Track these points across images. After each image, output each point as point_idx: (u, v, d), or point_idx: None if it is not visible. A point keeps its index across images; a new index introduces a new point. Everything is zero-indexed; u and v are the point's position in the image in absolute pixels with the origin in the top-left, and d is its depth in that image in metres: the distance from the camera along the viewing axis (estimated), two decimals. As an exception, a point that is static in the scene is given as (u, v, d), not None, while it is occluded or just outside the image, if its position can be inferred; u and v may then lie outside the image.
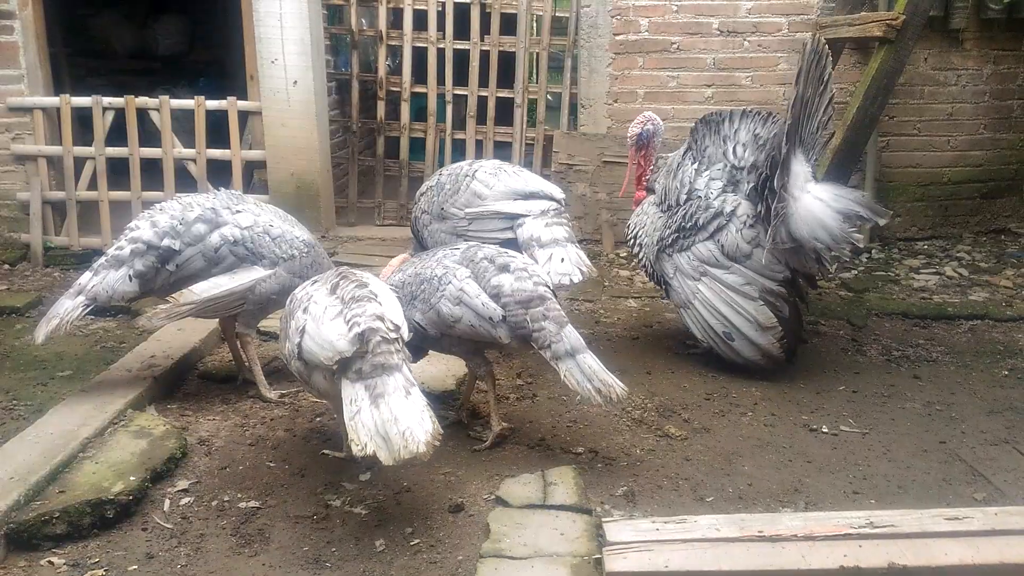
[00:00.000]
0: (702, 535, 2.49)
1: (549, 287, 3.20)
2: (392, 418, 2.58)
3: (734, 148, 4.08)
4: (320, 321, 2.77)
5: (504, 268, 3.18)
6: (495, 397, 3.36)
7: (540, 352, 3.13)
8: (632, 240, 4.40)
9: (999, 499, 2.92)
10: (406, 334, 2.86)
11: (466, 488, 2.98)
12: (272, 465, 3.15)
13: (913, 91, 6.48)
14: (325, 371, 2.76)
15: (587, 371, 3.05)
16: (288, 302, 3.05)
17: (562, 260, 3.77)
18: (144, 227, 3.56)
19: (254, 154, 6.08)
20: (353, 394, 2.67)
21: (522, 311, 3.10)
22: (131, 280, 3.53)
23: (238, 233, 3.58)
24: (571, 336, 3.09)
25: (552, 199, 3.98)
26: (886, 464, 3.16)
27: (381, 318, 2.76)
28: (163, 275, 3.55)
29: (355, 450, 2.59)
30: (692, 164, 4.21)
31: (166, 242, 3.52)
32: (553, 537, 2.61)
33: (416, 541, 2.67)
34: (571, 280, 3.70)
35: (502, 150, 6.67)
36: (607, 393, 3.02)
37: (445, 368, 3.81)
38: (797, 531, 2.48)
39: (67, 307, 3.49)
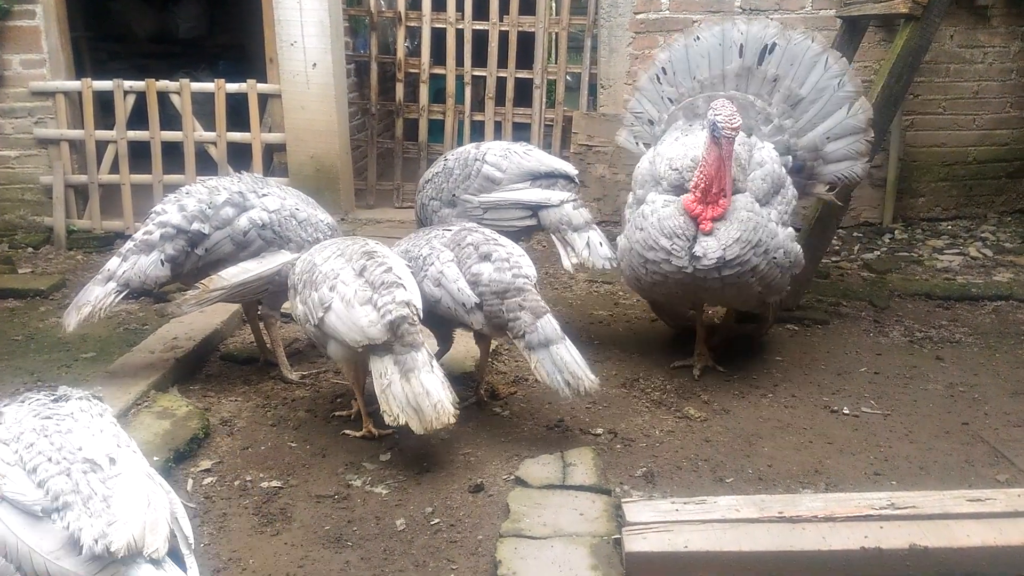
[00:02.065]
0: (722, 516, 2.49)
1: (530, 278, 3.20)
2: (424, 391, 2.84)
3: None
4: (350, 304, 2.94)
5: (486, 257, 3.21)
6: (487, 364, 3.54)
7: (514, 341, 3.16)
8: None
9: (1022, 481, 2.89)
10: (422, 313, 3.02)
11: (486, 468, 2.99)
12: (293, 445, 3.18)
13: (938, 69, 6.37)
14: (345, 346, 2.95)
15: (558, 362, 3.05)
16: (307, 269, 3.13)
17: (600, 244, 3.90)
18: (172, 211, 3.56)
19: (274, 137, 6.10)
20: (383, 368, 2.90)
21: (498, 301, 3.13)
22: (163, 265, 3.54)
23: (266, 217, 3.59)
24: (547, 327, 3.10)
25: (567, 177, 4.01)
26: (908, 445, 3.14)
27: (408, 304, 2.96)
28: (192, 259, 3.56)
29: (387, 420, 2.85)
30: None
31: (195, 226, 3.53)
32: (572, 517, 2.62)
33: (436, 520, 2.69)
34: (615, 264, 3.84)
35: (521, 131, 6.64)
36: (576, 385, 3.03)
37: (465, 350, 3.82)
38: (818, 512, 2.48)
39: (98, 294, 3.51)
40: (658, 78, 4.23)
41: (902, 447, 3.14)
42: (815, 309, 4.53)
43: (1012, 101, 6.48)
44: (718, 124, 3.24)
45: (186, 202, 3.58)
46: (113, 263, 3.57)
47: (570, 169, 4.05)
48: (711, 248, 3.33)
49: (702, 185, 3.35)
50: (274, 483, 2.93)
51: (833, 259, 5.54)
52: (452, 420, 2.83)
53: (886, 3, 5.04)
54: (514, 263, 3.22)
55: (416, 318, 2.96)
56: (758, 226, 3.39)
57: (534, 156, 4.04)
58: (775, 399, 3.57)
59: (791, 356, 4.01)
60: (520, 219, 3.96)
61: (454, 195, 3.99)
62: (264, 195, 3.65)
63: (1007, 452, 3.11)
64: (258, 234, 3.58)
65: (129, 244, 3.61)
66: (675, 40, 4.28)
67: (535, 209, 3.94)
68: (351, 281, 2.99)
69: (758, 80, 3.98)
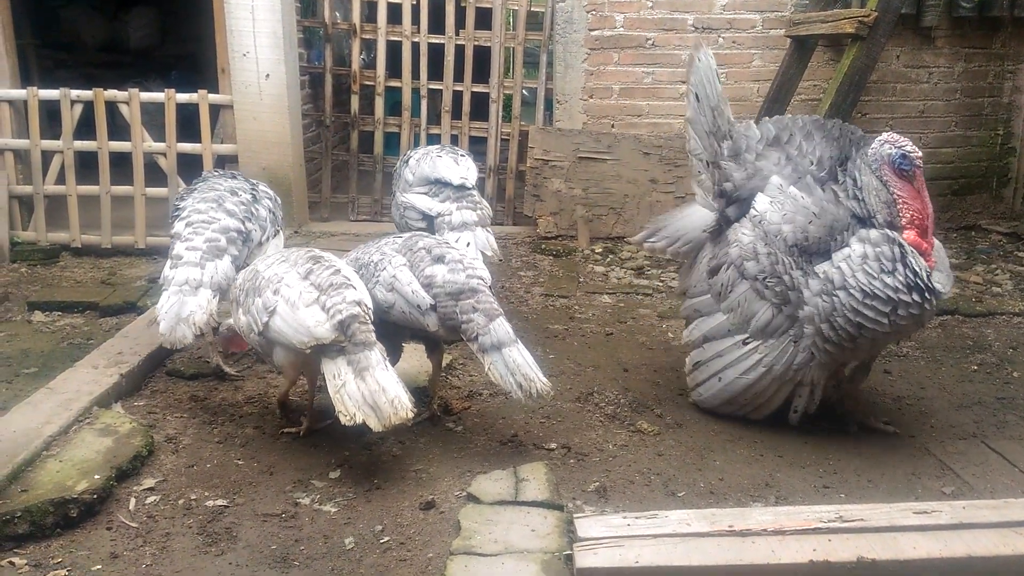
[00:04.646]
0: (673, 530, 2.49)
1: (484, 280, 3.23)
2: (380, 388, 2.85)
3: None
4: (295, 306, 2.96)
5: (439, 259, 3.24)
6: (440, 378, 3.55)
7: (468, 344, 3.17)
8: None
9: (967, 493, 2.95)
10: (372, 316, 3.06)
11: (437, 485, 2.96)
12: (241, 463, 3.11)
13: (885, 88, 6.54)
14: (292, 350, 2.98)
15: (511, 365, 3.06)
16: (249, 278, 3.18)
17: (467, 244, 4.09)
18: (223, 216, 3.72)
19: (225, 148, 6.01)
20: (336, 369, 2.91)
21: (452, 302, 3.14)
22: (232, 266, 3.67)
23: (271, 204, 4.01)
24: (499, 329, 3.10)
25: (450, 184, 4.25)
26: (856, 459, 3.18)
27: (358, 303, 2.99)
28: (242, 256, 3.75)
29: (344, 420, 2.84)
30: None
31: (247, 225, 3.78)
32: (524, 533, 2.59)
33: (386, 539, 2.65)
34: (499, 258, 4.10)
35: (477, 145, 6.64)
36: (528, 388, 3.04)
37: (418, 365, 3.78)
38: (767, 525, 2.49)
39: (201, 303, 3.49)
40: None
41: (851, 460, 3.17)
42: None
43: (956, 120, 6.67)
44: (910, 156, 3.04)
45: (227, 206, 3.79)
46: (187, 272, 3.54)
47: (455, 178, 4.24)
48: (944, 281, 3.10)
49: (917, 221, 3.08)
50: (219, 502, 2.86)
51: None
52: (410, 415, 2.85)
53: (833, 23, 5.16)
54: (468, 264, 3.24)
55: (368, 317, 2.98)
56: (941, 248, 3.23)
57: (441, 161, 4.31)
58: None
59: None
60: (417, 221, 4.27)
61: (393, 192, 4.44)
62: (262, 187, 4.09)
63: (953, 465, 3.16)
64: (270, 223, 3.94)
65: (193, 254, 3.59)
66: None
67: (425, 213, 4.25)
68: (296, 284, 3.02)
69: None
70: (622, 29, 6.45)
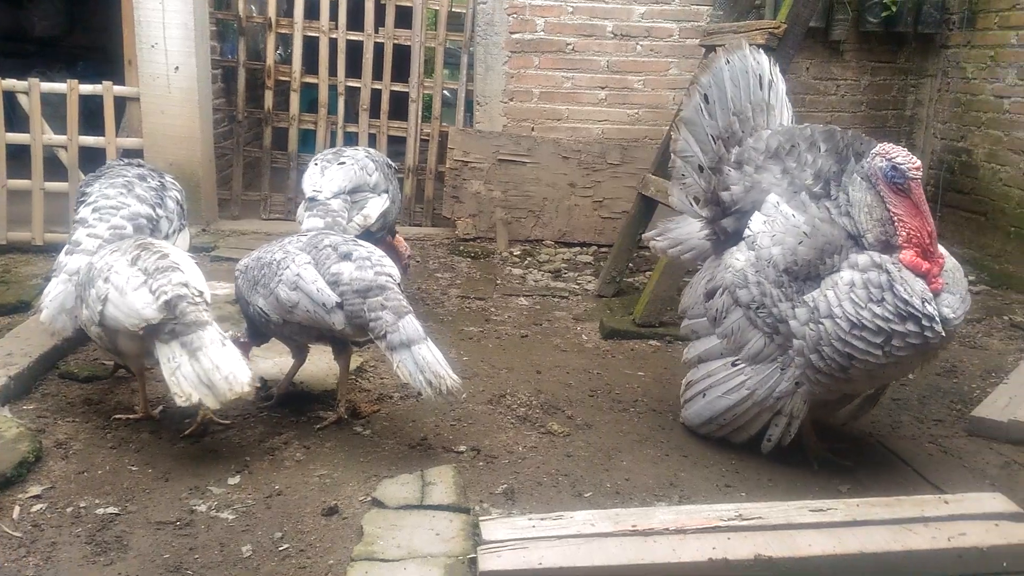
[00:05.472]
0: (577, 531, 2.49)
1: (392, 277, 3.19)
2: (214, 366, 2.87)
3: None
4: (124, 292, 2.98)
5: (346, 256, 3.19)
6: (347, 380, 3.46)
7: (376, 342, 3.12)
8: None
9: (862, 491, 3.03)
10: (209, 298, 3.08)
11: (341, 490, 2.89)
12: (134, 469, 2.98)
13: (795, 100, 6.66)
14: (131, 335, 2.99)
15: (420, 362, 3.02)
16: (85, 272, 3.20)
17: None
18: (132, 202, 3.58)
19: (130, 142, 5.78)
20: (170, 352, 2.93)
21: (359, 300, 3.09)
22: None
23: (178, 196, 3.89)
24: (408, 327, 3.06)
25: (303, 193, 4.36)
26: (758, 458, 3.23)
27: (186, 284, 3.01)
28: None
29: (180, 401, 2.86)
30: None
31: (158, 212, 3.66)
32: (428, 538, 2.55)
33: (286, 546, 2.57)
34: None
35: (396, 145, 6.59)
36: (438, 385, 3.00)
37: (327, 367, 3.71)
38: (669, 524, 2.51)
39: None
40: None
41: (752, 460, 3.23)
42: (677, 326, 4.59)
43: (862, 131, 6.88)
44: (901, 168, 2.80)
45: (138, 191, 3.68)
46: (82, 260, 3.35)
47: (308, 189, 4.33)
48: (955, 305, 2.83)
49: (915, 239, 2.82)
50: (110, 509, 2.73)
51: (698, 278, 5.73)
52: (247, 389, 2.86)
53: (745, 34, 5.26)
54: (376, 261, 3.19)
55: (199, 299, 3.00)
56: (956, 267, 2.96)
57: (308, 171, 4.44)
58: (636, 413, 3.63)
59: (653, 371, 4.10)
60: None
61: None
62: (169, 178, 3.98)
63: (848, 464, 3.25)
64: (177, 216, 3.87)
65: (91, 242, 3.42)
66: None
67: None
68: (124, 270, 3.04)
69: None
70: (543, 33, 6.47)
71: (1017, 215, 5.82)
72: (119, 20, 5.91)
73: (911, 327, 2.74)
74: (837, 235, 2.93)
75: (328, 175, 4.35)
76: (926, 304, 2.74)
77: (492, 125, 6.58)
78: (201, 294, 3.04)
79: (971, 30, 6.35)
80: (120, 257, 3.10)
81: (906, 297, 2.74)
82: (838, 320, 2.82)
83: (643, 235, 4.15)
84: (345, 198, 4.36)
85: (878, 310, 2.76)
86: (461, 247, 6.22)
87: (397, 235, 5.05)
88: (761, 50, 3.53)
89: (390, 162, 4.93)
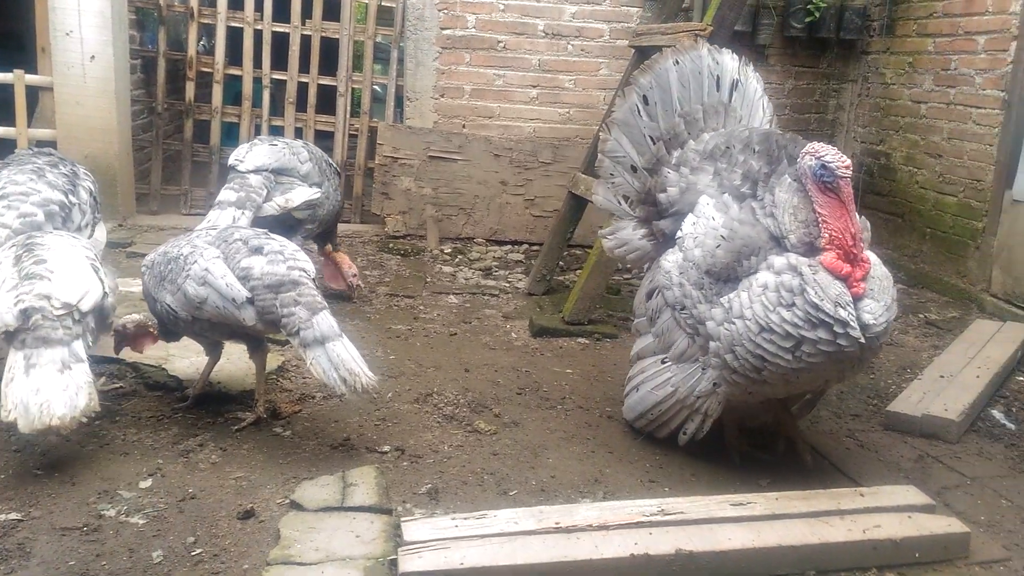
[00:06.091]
0: (500, 529, 2.46)
1: (307, 272, 3.10)
2: (34, 389, 2.72)
3: None
4: None
5: (257, 250, 3.09)
6: (264, 379, 3.34)
7: (289, 339, 3.03)
8: None
9: (782, 485, 3.07)
10: (86, 306, 2.93)
11: (259, 493, 2.80)
12: (39, 472, 2.84)
13: (722, 100, 6.83)
14: None
15: (335, 360, 2.94)
16: None
17: (208, 220, 4.13)
18: (44, 188, 3.43)
19: (43, 133, 5.56)
20: (13, 362, 2.82)
21: (271, 295, 2.99)
22: None
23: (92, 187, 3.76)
24: (323, 324, 2.99)
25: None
26: (682, 453, 3.26)
27: (47, 297, 2.87)
28: None
29: (1, 414, 2.72)
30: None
31: (71, 199, 3.51)
32: (348, 540, 2.50)
33: (199, 551, 2.48)
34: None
35: (324, 139, 6.45)
36: (352, 383, 2.93)
37: (246, 366, 3.60)
38: (592, 521, 2.51)
39: None
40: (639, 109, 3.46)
41: (676, 455, 3.25)
42: (605, 324, 4.68)
43: (786, 134, 7.06)
44: (831, 167, 2.73)
45: (49, 177, 3.58)
46: None
47: (234, 159, 4.40)
48: (877, 311, 2.75)
49: (838, 241, 2.76)
50: (12, 516, 2.59)
51: (624, 276, 5.77)
52: (55, 423, 2.67)
53: (672, 35, 5.33)
54: (289, 255, 3.09)
55: (59, 312, 2.85)
56: (886, 275, 2.92)
57: (251, 149, 4.44)
58: (563, 411, 3.62)
59: (581, 369, 4.10)
60: None
61: None
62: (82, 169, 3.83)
63: (765, 457, 3.30)
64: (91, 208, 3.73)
65: None
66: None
67: None
68: (7, 270, 2.97)
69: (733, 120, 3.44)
70: (474, 30, 6.44)
71: (932, 216, 6.03)
72: (32, 6, 5.67)
73: (822, 334, 2.68)
74: (757, 236, 2.88)
75: (255, 151, 4.36)
76: (839, 309, 2.67)
77: (423, 121, 6.51)
78: (67, 306, 2.88)
79: (891, 37, 6.55)
80: (8, 254, 3.02)
81: (816, 302, 2.67)
82: (748, 322, 2.79)
83: (598, 232, 4.11)
84: (268, 176, 4.29)
85: (787, 315, 2.71)
86: (391, 244, 6.15)
87: (340, 249, 4.96)
88: (727, 51, 3.49)
89: (330, 161, 4.84)
